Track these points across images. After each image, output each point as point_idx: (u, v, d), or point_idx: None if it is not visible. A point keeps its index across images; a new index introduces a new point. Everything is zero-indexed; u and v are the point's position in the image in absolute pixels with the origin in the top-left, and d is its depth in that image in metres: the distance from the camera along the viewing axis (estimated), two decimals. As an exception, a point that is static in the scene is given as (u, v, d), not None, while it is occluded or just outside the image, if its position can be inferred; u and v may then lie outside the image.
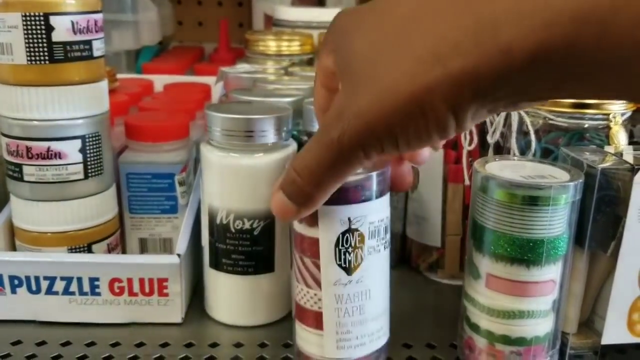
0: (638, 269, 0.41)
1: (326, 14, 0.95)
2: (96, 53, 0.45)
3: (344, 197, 0.36)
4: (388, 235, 0.39)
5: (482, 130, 0.50)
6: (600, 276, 0.42)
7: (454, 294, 0.53)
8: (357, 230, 0.37)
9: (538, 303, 0.39)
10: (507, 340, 0.40)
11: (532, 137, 0.46)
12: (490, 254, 0.40)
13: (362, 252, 0.38)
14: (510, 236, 0.38)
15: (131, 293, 0.46)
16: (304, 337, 0.40)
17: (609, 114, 0.45)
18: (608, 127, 0.46)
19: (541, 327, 0.40)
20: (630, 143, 0.47)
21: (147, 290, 0.46)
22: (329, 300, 0.38)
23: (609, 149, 0.44)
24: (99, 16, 0.45)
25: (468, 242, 0.42)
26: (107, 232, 0.49)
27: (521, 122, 0.47)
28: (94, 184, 0.47)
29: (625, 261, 0.40)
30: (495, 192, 0.39)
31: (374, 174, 0.37)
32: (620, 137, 0.45)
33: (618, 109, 0.46)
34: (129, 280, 0.46)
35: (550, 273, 0.39)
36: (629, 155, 0.41)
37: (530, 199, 0.38)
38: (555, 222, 0.38)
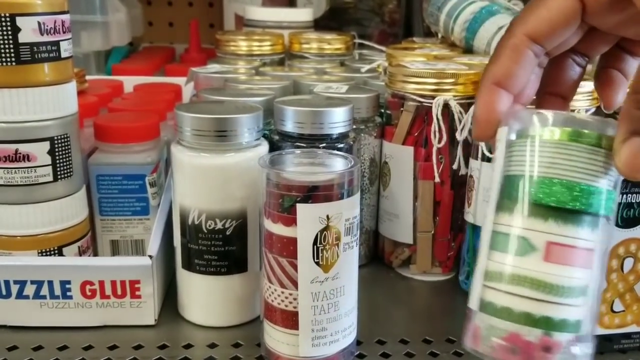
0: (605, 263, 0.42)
1: (297, 14, 0.95)
2: (64, 54, 0.45)
3: (322, 195, 0.37)
4: (358, 232, 0.40)
5: (452, 128, 0.51)
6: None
7: (426, 290, 0.54)
8: (334, 227, 0.38)
9: None
10: None
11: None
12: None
13: (338, 249, 0.38)
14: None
15: (103, 296, 0.46)
16: (276, 336, 0.40)
17: (573, 111, 0.46)
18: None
19: None
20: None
21: (119, 292, 0.46)
22: (305, 299, 0.38)
23: None
24: (66, 17, 0.45)
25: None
26: (77, 234, 0.48)
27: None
28: (64, 186, 0.47)
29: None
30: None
31: (349, 171, 0.38)
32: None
33: (582, 105, 0.47)
34: (101, 283, 0.45)
35: None
36: None
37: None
38: None
